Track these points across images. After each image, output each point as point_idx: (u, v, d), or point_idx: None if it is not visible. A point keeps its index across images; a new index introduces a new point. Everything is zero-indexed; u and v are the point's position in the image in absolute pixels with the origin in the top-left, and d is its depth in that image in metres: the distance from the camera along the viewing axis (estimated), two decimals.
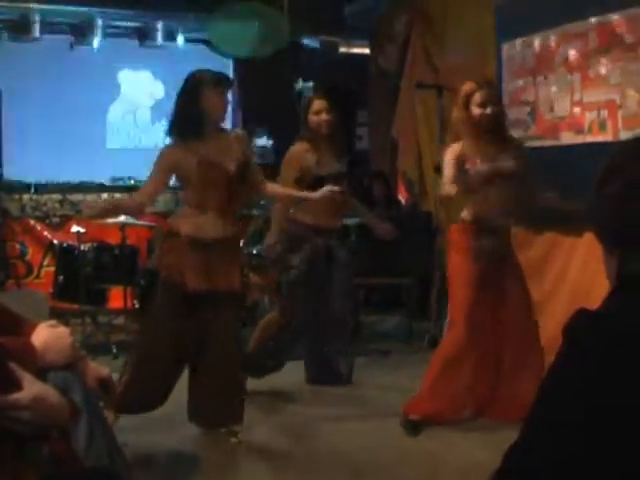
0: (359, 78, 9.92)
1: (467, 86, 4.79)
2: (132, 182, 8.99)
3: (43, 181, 8.98)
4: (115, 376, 2.91)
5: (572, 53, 5.90)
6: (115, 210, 4.99)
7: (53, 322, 2.60)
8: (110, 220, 6.40)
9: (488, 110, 4.71)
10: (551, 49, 6.15)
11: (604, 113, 5.61)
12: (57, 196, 8.76)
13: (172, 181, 4.65)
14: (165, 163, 4.39)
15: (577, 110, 5.89)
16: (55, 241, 7.69)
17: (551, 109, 6.17)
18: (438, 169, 5.14)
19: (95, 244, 6.83)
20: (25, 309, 3.18)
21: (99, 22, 9.36)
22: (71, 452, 2.27)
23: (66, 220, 8.14)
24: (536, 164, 5.44)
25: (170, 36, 9.80)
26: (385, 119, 9.09)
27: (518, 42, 6.54)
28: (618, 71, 5.46)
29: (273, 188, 4.81)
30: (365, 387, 5.72)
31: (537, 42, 6.31)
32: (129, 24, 9.77)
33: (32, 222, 8.22)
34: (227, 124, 9.61)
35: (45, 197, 8.72)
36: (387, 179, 8.81)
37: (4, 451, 2.00)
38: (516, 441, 1.31)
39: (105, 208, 4.81)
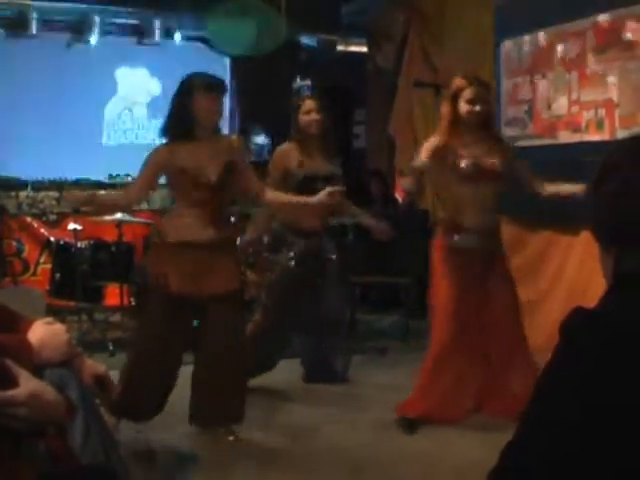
0: (357, 77, 9.92)
1: (458, 81, 4.76)
2: (129, 179, 8.95)
3: (40, 178, 8.97)
4: (113, 374, 2.90)
5: (569, 52, 5.90)
6: (98, 204, 4.94)
7: (49, 319, 2.60)
8: (107, 217, 6.40)
9: (477, 108, 4.69)
10: (549, 47, 6.15)
11: (601, 112, 5.61)
12: (54, 193, 8.73)
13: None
14: (154, 163, 4.41)
15: (574, 109, 5.89)
16: (52, 238, 7.68)
17: (548, 108, 6.18)
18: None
19: (92, 241, 6.83)
20: (21, 306, 3.18)
21: (96, 19, 9.37)
22: (67, 449, 2.27)
23: (63, 217, 8.12)
24: (533, 163, 5.44)
25: (167, 34, 9.80)
26: (382, 117, 9.10)
27: (516, 41, 6.55)
28: (615, 70, 5.46)
29: (272, 196, 4.69)
30: (362, 385, 5.72)
31: (535, 41, 6.31)
32: (126, 21, 9.77)
33: (29, 219, 8.21)
34: (225, 123, 9.68)
35: (42, 194, 8.70)
36: (384, 177, 8.81)
37: (1, 448, 2.00)
38: (512, 439, 1.31)
39: (86, 200, 4.82)
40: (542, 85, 6.25)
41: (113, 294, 6.90)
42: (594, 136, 5.67)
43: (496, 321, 4.79)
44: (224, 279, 4.38)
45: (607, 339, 1.26)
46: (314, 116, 5.40)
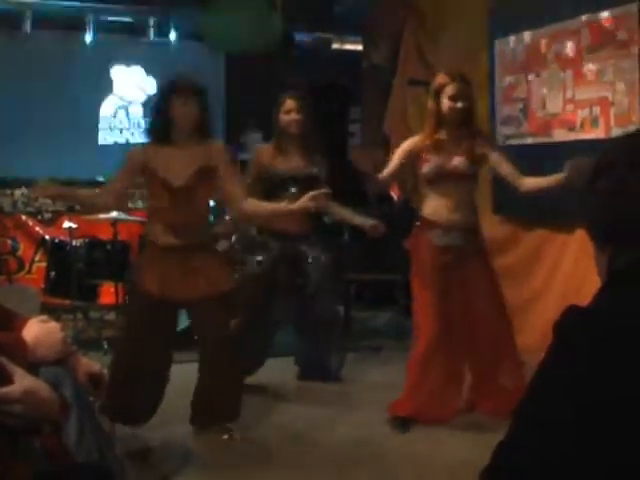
0: (352, 74, 9.91)
1: (440, 78, 4.78)
2: None
3: (35, 177, 8.94)
4: (108, 372, 2.90)
5: (564, 50, 5.90)
6: (70, 199, 4.93)
7: (44, 317, 2.61)
8: (102, 216, 6.39)
9: (459, 104, 4.70)
10: (543, 46, 6.15)
11: (596, 110, 5.61)
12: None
13: None
14: (131, 163, 4.44)
15: (569, 107, 5.89)
16: (47, 237, 7.68)
17: (543, 106, 6.18)
18: None
19: (87, 240, 6.83)
20: (16, 304, 3.17)
21: (91, 17, 9.35)
22: (62, 447, 2.27)
23: (58, 216, 8.14)
24: (528, 161, 5.45)
25: (162, 32, 9.79)
26: (378, 115, 9.09)
27: (511, 39, 6.55)
28: (610, 68, 5.47)
29: (252, 207, 4.53)
30: (356, 383, 5.73)
31: (529, 39, 6.31)
32: (121, 20, 9.76)
33: (24, 218, 8.21)
34: (218, 122, 9.67)
35: None
36: None
37: None
38: (505, 439, 1.31)
39: (59, 194, 4.81)
40: (537, 83, 6.25)
41: (108, 293, 6.89)
42: (589, 134, 5.67)
43: (480, 319, 4.79)
44: (205, 282, 4.35)
45: (601, 337, 1.26)
46: (294, 116, 5.38)
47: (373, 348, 6.71)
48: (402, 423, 4.75)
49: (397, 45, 8.65)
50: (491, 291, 4.83)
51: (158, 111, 4.44)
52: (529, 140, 6.33)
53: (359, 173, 4.76)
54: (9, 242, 8.04)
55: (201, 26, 8.61)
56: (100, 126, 10.07)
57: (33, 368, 2.28)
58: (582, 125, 5.76)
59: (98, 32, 9.45)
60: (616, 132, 5.37)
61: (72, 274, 6.52)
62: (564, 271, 5.92)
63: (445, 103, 4.70)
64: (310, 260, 5.46)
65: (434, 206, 4.77)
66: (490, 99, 6.80)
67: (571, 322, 1.31)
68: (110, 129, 10.16)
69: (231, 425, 4.57)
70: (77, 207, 7.46)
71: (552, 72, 6.06)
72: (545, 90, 6.15)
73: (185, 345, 4.88)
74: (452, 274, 4.74)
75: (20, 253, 8.08)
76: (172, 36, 9.87)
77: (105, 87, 10.05)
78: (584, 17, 5.69)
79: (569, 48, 5.86)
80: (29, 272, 8.05)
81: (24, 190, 8.29)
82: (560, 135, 5.98)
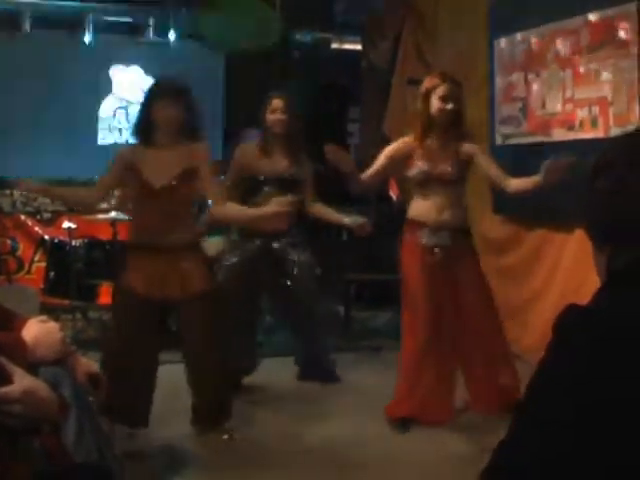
0: (351, 74, 9.91)
1: (430, 79, 4.78)
2: None
3: (34, 177, 8.92)
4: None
5: (564, 50, 5.90)
6: (56, 197, 4.94)
7: (44, 317, 2.61)
8: (101, 216, 6.39)
9: (449, 106, 4.69)
10: (543, 46, 6.15)
11: (595, 110, 5.61)
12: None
13: None
14: (119, 162, 4.47)
15: (569, 107, 5.89)
16: (46, 237, 7.68)
17: (543, 106, 6.18)
18: None
19: (86, 240, 6.83)
20: (16, 304, 3.17)
21: (90, 17, 9.35)
22: (61, 447, 2.27)
23: (57, 216, 8.13)
24: (527, 160, 5.45)
25: (162, 32, 9.78)
26: (377, 115, 9.09)
27: (510, 38, 6.55)
28: (610, 68, 5.46)
29: (224, 210, 4.50)
30: (355, 384, 5.73)
31: (529, 38, 6.31)
32: (121, 19, 9.75)
33: (23, 218, 8.20)
34: (218, 121, 9.67)
35: None
36: None
37: None
38: (505, 438, 1.30)
39: (40, 190, 4.86)
40: (536, 83, 6.25)
41: (107, 293, 6.87)
42: (588, 134, 5.67)
43: (470, 318, 4.77)
44: (189, 281, 4.36)
45: (600, 337, 1.26)
46: (279, 115, 5.36)
47: (373, 348, 6.70)
48: (402, 423, 4.74)
49: (396, 45, 8.65)
50: (480, 291, 4.81)
51: (141, 114, 4.48)
52: (528, 139, 6.33)
53: (339, 173, 4.73)
54: (8, 242, 8.03)
55: (200, 26, 8.62)
56: (99, 126, 10.06)
57: (32, 368, 2.28)
58: (581, 124, 5.76)
59: (97, 32, 9.44)
60: (615, 132, 5.37)
61: (71, 274, 6.51)
62: (564, 271, 5.92)
63: (435, 104, 4.69)
64: (291, 257, 5.44)
65: (422, 207, 4.77)
66: (489, 99, 6.80)
67: (570, 322, 1.31)
68: (109, 129, 10.15)
69: (230, 425, 4.56)
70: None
71: (551, 72, 6.06)
72: (544, 90, 6.15)
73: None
74: (441, 274, 4.73)
75: (19, 253, 8.07)
76: (171, 36, 9.85)
77: (104, 87, 10.04)
78: (583, 17, 5.69)
79: (568, 48, 5.87)
80: (28, 272, 8.04)
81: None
82: (559, 134, 5.98)
